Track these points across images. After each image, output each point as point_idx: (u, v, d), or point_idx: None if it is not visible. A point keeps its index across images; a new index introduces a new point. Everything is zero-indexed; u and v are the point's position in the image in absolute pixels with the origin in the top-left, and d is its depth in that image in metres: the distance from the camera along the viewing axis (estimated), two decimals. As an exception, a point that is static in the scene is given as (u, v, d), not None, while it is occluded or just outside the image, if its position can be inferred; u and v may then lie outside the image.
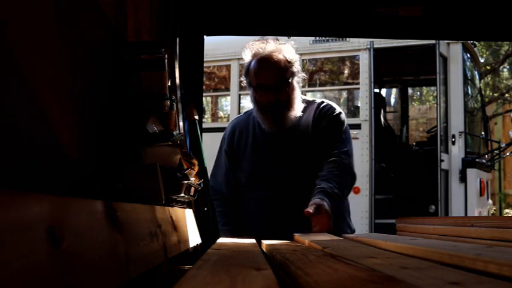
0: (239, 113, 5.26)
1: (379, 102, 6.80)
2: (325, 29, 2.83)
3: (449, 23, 2.63)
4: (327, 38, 6.17)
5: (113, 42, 1.38)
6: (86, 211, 0.75)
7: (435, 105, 7.13)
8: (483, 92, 9.21)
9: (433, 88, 9.80)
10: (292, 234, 1.72)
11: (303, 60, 6.12)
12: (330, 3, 2.60)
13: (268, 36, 2.25)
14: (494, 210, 10.15)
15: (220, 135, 2.40)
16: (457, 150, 6.12)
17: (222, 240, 1.67)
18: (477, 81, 7.42)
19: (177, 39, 2.35)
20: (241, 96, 6.81)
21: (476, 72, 7.30)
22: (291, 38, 2.49)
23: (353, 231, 2.24)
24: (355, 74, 6.60)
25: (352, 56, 6.57)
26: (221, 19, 2.64)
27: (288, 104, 2.14)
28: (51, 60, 0.98)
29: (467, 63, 6.63)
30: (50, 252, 0.58)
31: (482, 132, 7.17)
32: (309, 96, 2.35)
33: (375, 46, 6.13)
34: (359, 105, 6.40)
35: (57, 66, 1.01)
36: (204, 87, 4.08)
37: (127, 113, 1.37)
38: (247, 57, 2.19)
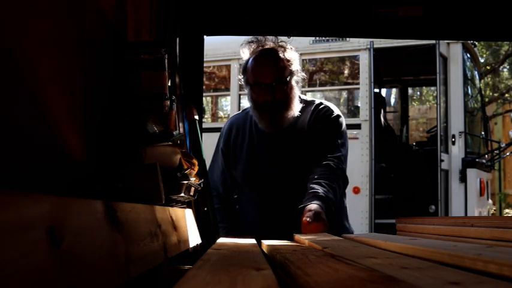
0: (239, 113, 5.25)
1: (379, 102, 6.80)
2: (325, 29, 2.83)
3: (449, 23, 2.63)
4: (327, 38, 6.17)
5: (113, 42, 1.38)
6: (86, 211, 0.75)
7: (435, 105, 7.13)
8: (483, 92, 9.21)
9: (433, 88, 9.81)
10: (286, 235, 1.71)
11: (303, 60, 6.11)
12: (330, 3, 2.60)
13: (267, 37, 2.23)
14: (494, 210, 10.15)
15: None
16: (457, 150, 6.12)
17: (222, 240, 1.67)
18: (477, 81, 7.42)
19: (177, 39, 2.34)
20: (241, 96, 6.81)
21: (476, 72, 7.30)
22: (291, 38, 2.49)
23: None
24: (355, 74, 6.60)
25: (352, 56, 6.57)
26: (221, 19, 2.64)
27: (286, 103, 2.12)
28: (51, 60, 0.98)
29: (467, 63, 6.63)
30: (50, 252, 0.58)
31: (482, 132, 7.18)
32: (309, 97, 2.33)
33: (375, 46, 6.13)
34: (359, 105, 6.40)
35: (57, 66, 1.01)
36: (204, 87, 4.08)
37: (127, 113, 1.37)
38: (245, 55, 2.18)
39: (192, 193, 1.77)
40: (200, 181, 1.98)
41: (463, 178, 6.07)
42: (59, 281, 0.59)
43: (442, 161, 5.97)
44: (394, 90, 8.83)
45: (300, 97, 2.21)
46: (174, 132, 1.59)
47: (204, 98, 4.18)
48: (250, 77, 2.13)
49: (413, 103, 12.13)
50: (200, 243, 1.97)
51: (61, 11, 1.03)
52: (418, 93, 13.07)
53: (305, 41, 6.07)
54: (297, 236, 1.62)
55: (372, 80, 6.19)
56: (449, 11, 2.56)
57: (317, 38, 6.17)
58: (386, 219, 5.68)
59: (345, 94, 7.44)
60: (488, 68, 12.25)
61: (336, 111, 2.22)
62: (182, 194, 1.55)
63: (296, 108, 2.15)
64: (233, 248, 1.18)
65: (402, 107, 8.10)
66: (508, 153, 8.08)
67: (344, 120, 2.24)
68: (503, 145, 7.49)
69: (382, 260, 0.82)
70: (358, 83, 6.37)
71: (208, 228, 2.15)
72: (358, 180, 5.72)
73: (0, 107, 0.78)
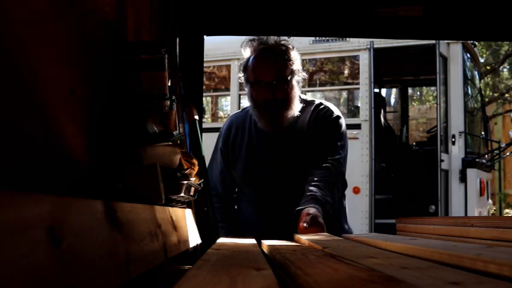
0: (239, 113, 5.25)
1: (379, 102, 6.80)
2: (325, 29, 2.83)
3: (449, 23, 2.63)
4: (327, 38, 6.17)
5: (113, 42, 1.38)
6: (86, 211, 0.75)
7: (435, 105, 7.13)
8: (483, 92, 9.21)
9: (433, 88, 9.81)
10: (286, 235, 1.70)
11: (303, 60, 6.10)
12: (330, 3, 2.60)
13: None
14: (494, 210, 10.15)
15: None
16: (457, 150, 6.12)
17: (222, 240, 1.67)
18: (477, 81, 7.42)
19: (177, 39, 2.34)
20: (241, 96, 6.81)
21: (476, 72, 7.30)
22: (291, 38, 2.48)
23: None
24: (355, 74, 6.60)
25: (352, 56, 6.57)
26: (221, 19, 2.63)
27: (286, 102, 2.10)
28: (51, 60, 0.98)
29: (467, 63, 6.63)
30: (50, 252, 0.58)
31: (482, 132, 7.18)
32: (309, 97, 2.31)
33: (375, 46, 6.13)
34: (359, 105, 6.40)
35: (57, 66, 1.01)
36: (204, 87, 4.08)
37: (127, 113, 1.37)
38: (246, 53, 2.16)
39: (192, 193, 1.77)
40: (200, 181, 1.98)
41: (463, 178, 6.07)
42: (59, 281, 0.59)
43: (442, 161, 5.97)
44: (394, 90, 8.83)
45: (300, 97, 2.20)
46: (174, 132, 1.59)
47: (204, 98, 4.18)
48: (250, 75, 2.11)
49: (413, 103, 12.13)
50: (200, 243, 1.97)
51: (61, 11, 1.03)
52: (418, 93, 13.08)
53: (305, 41, 6.07)
54: (297, 236, 1.61)
55: (372, 80, 6.19)
56: (449, 11, 2.56)
57: (317, 38, 6.17)
58: (386, 219, 5.68)
59: (345, 94, 7.44)
60: (488, 68, 12.25)
61: (336, 111, 2.20)
62: (182, 194, 1.55)
63: (296, 108, 2.14)
64: (233, 248, 1.18)
65: (402, 107, 8.10)
66: (508, 153, 8.07)
67: (344, 121, 2.23)
68: (503, 145, 7.49)
69: (382, 260, 0.82)
70: (358, 83, 6.37)
71: (208, 228, 2.15)
72: (358, 180, 5.72)
73: (0, 107, 0.78)
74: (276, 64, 2.09)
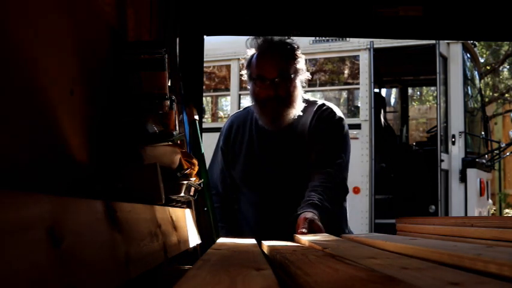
0: (239, 113, 5.25)
1: (379, 102, 6.80)
2: (325, 29, 2.83)
3: (449, 23, 2.63)
4: (327, 38, 6.17)
5: (113, 42, 1.38)
6: (85, 211, 0.75)
7: (435, 105, 7.13)
8: (483, 92, 9.21)
9: (433, 88, 9.81)
10: (286, 235, 1.69)
11: (303, 60, 6.10)
12: (330, 3, 2.60)
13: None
14: (494, 210, 10.15)
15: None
16: (457, 150, 6.12)
17: (222, 240, 1.67)
18: (477, 81, 7.42)
19: (177, 39, 2.34)
20: (241, 96, 6.81)
21: (476, 72, 7.30)
22: (291, 38, 2.47)
23: None
24: (355, 74, 6.60)
25: (352, 56, 6.57)
26: (221, 19, 2.63)
27: (288, 100, 2.08)
28: (51, 60, 0.98)
29: (467, 63, 6.63)
30: (50, 252, 0.58)
31: (482, 132, 7.17)
32: (309, 97, 2.30)
33: (375, 46, 6.13)
34: (359, 105, 6.40)
35: (57, 66, 1.01)
36: (204, 87, 4.08)
37: (127, 113, 1.37)
38: (250, 50, 2.15)
39: (192, 193, 1.77)
40: (200, 181, 1.98)
41: (463, 178, 6.07)
42: (59, 281, 0.59)
43: (442, 161, 5.97)
44: (394, 90, 8.82)
45: (302, 97, 2.19)
46: (174, 132, 1.59)
47: (204, 98, 4.18)
48: (254, 71, 2.10)
49: (413, 103, 12.12)
50: (200, 243, 1.97)
51: (61, 11, 1.03)
52: (418, 93, 13.07)
53: (305, 41, 6.07)
54: (297, 237, 1.61)
55: (372, 80, 6.19)
56: (449, 11, 2.56)
57: (317, 38, 6.17)
58: (386, 219, 5.68)
59: (345, 94, 7.44)
60: (488, 68, 12.24)
61: (339, 113, 2.18)
62: (182, 194, 1.55)
63: (298, 108, 2.12)
64: (233, 248, 1.18)
65: (402, 107, 8.10)
66: (508, 153, 8.07)
67: (346, 123, 2.20)
68: (503, 145, 7.48)
69: (382, 260, 0.82)
70: (358, 83, 6.37)
71: (208, 228, 2.15)
72: (358, 180, 5.72)
73: (0, 107, 0.78)
74: (281, 61, 2.07)
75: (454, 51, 6.22)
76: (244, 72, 2.19)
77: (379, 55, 6.22)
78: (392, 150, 6.78)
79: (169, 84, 1.63)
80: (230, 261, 0.86)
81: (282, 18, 2.61)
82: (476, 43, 7.53)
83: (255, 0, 2.62)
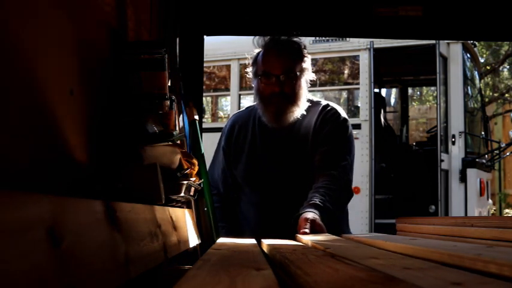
0: (239, 113, 5.25)
1: (379, 102, 6.80)
2: (325, 29, 2.83)
3: (449, 23, 2.63)
4: (327, 38, 6.17)
5: (113, 42, 1.38)
6: (85, 211, 0.75)
7: (435, 105, 7.13)
8: (483, 92, 9.21)
9: (433, 88, 9.81)
10: (287, 236, 1.69)
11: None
12: (330, 3, 2.60)
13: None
14: (494, 210, 10.15)
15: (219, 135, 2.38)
16: (457, 150, 6.12)
17: (222, 240, 1.67)
18: (477, 81, 7.42)
19: (177, 39, 2.34)
20: (241, 96, 6.81)
21: (476, 72, 7.30)
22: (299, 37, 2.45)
23: None
24: (355, 74, 6.60)
25: (352, 56, 6.57)
26: (221, 19, 2.63)
27: (293, 98, 2.07)
28: (51, 60, 0.98)
29: (467, 63, 6.63)
30: (50, 252, 0.58)
31: (482, 132, 7.17)
32: (312, 97, 2.28)
33: (375, 46, 6.13)
34: (359, 105, 6.41)
35: (57, 66, 1.01)
36: (204, 87, 4.08)
37: (127, 113, 1.37)
38: (256, 48, 2.14)
39: (192, 193, 1.77)
40: (200, 181, 1.97)
41: (463, 178, 6.07)
42: (59, 281, 0.59)
43: (442, 161, 5.97)
44: (394, 90, 8.82)
45: (306, 97, 2.18)
46: (174, 132, 1.59)
47: (204, 98, 4.18)
48: (260, 68, 2.09)
49: (413, 103, 12.12)
50: (200, 243, 1.97)
51: (61, 11, 1.03)
52: (418, 93, 13.07)
53: (305, 41, 6.06)
54: (299, 237, 1.61)
55: (372, 80, 6.19)
56: (449, 11, 2.56)
57: (317, 38, 6.17)
58: (386, 219, 5.68)
59: (345, 94, 7.44)
60: (488, 68, 12.24)
61: (343, 114, 2.16)
62: (182, 194, 1.55)
63: (302, 107, 2.10)
64: (233, 248, 1.18)
65: (402, 107, 8.09)
66: (508, 153, 8.07)
67: (350, 124, 2.19)
68: (503, 145, 7.48)
69: (385, 260, 0.81)
70: (358, 83, 6.37)
71: (208, 228, 2.15)
72: (358, 180, 5.72)
73: (1, 107, 0.78)
74: (287, 59, 2.07)
75: (454, 51, 6.22)
76: (249, 69, 2.18)
77: (379, 55, 6.22)
78: (392, 150, 6.78)
79: (169, 84, 1.63)
80: (230, 261, 0.86)
81: (282, 18, 2.61)
82: (476, 43, 7.53)
83: (255, 0, 2.62)
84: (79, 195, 0.78)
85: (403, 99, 8.26)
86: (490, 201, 7.42)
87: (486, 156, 6.93)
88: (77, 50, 1.11)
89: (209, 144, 2.78)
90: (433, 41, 5.89)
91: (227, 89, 7.11)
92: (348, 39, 6.14)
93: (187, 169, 1.58)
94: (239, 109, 2.68)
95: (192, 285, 0.58)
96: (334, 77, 7.13)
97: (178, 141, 1.72)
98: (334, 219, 1.98)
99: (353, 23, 2.65)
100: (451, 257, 0.79)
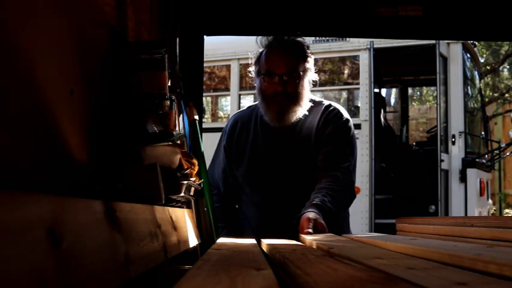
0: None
1: (379, 102, 6.80)
2: (325, 29, 2.83)
3: (449, 23, 2.63)
4: (327, 38, 6.17)
5: (113, 42, 1.38)
6: (85, 211, 0.75)
7: (435, 105, 7.13)
8: (483, 92, 9.21)
9: (433, 88, 9.81)
10: (288, 237, 1.69)
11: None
12: (330, 3, 2.60)
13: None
14: (494, 210, 10.15)
15: (220, 135, 2.38)
16: (457, 150, 6.12)
17: (222, 240, 1.67)
18: (477, 81, 7.42)
19: (177, 39, 2.34)
20: (241, 96, 6.81)
21: (476, 72, 7.30)
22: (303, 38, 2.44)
23: None
24: (355, 74, 6.60)
25: (352, 56, 6.57)
26: (221, 19, 2.64)
27: (295, 97, 2.06)
28: (51, 60, 0.98)
29: (467, 63, 6.63)
30: (50, 252, 0.58)
31: (482, 132, 7.18)
32: (314, 97, 2.28)
33: (375, 46, 6.13)
34: (359, 105, 6.41)
35: (57, 66, 1.01)
36: (204, 87, 4.08)
37: (127, 113, 1.37)
38: (259, 48, 2.13)
39: (192, 193, 1.77)
40: (200, 181, 1.97)
41: (463, 178, 6.07)
42: (59, 281, 0.59)
43: (442, 161, 5.97)
44: (394, 90, 8.83)
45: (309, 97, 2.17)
46: (174, 132, 1.59)
47: (204, 98, 4.18)
48: (263, 66, 2.08)
49: (413, 103, 12.13)
50: (200, 243, 1.97)
51: (61, 11, 1.03)
52: (418, 93, 13.07)
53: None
54: (302, 237, 1.60)
55: (372, 80, 6.19)
56: (449, 11, 2.56)
57: (317, 38, 6.17)
58: (386, 219, 5.68)
59: (345, 94, 7.44)
60: (488, 68, 12.24)
61: (346, 114, 2.15)
62: (182, 194, 1.55)
63: (304, 107, 2.10)
64: (233, 248, 1.18)
65: (402, 107, 8.10)
66: (508, 153, 8.07)
67: (352, 125, 2.18)
68: (503, 145, 7.48)
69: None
70: (358, 83, 6.37)
71: (208, 228, 2.15)
72: (358, 180, 5.67)
73: (1, 107, 0.78)
74: (291, 58, 2.06)
75: (454, 51, 6.22)
76: (251, 68, 2.17)
77: (379, 55, 6.22)
78: (392, 150, 6.78)
79: (169, 84, 1.63)
80: (230, 261, 0.86)
81: (282, 18, 2.61)
82: (476, 43, 7.53)
83: (255, 0, 2.62)
84: (79, 195, 0.78)
85: (403, 99, 8.26)
86: (490, 201, 7.42)
87: (486, 156, 6.93)
88: (77, 50, 1.11)
89: (209, 144, 2.78)
90: (433, 41, 5.89)
91: (227, 89, 7.11)
92: (348, 39, 6.14)
93: (187, 169, 1.58)
94: (239, 109, 2.67)
95: (192, 285, 0.58)
96: (334, 77, 7.13)
97: (178, 141, 1.72)
98: (335, 220, 1.98)
99: (353, 23, 2.65)
100: (451, 257, 0.79)
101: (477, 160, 6.33)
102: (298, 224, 1.80)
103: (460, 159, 6.13)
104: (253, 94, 6.83)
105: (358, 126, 5.98)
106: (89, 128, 1.18)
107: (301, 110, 2.09)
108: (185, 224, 1.67)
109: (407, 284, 0.57)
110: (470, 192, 6.08)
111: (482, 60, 11.47)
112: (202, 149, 2.23)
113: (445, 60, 6.21)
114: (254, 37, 2.24)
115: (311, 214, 1.79)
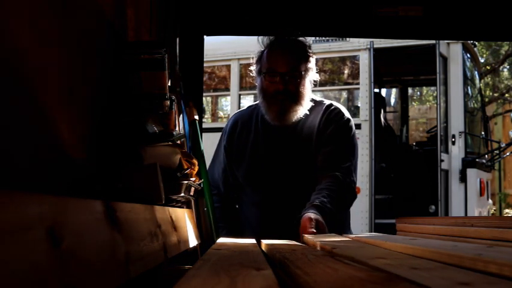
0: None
1: (379, 102, 6.80)
2: (325, 29, 2.83)
3: (449, 23, 2.63)
4: (327, 38, 6.17)
5: (113, 42, 1.38)
6: (85, 211, 0.75)
7: (435, 105, 7.13)
8: (483, 92, 9.21)
9: (433, 88, 9.81)
10: (288, 237, 1.68)
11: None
12: (330, 3, 2.60)
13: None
14: (494, 210, 10.15)
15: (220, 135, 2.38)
16: (457, 150, 6.13)
17: (222, 240, 1.67)
18: (477, 81, 7.42)
19: (177, 39, 2.34)
20: (241, 96, 6.81)
21: (476, 72, 7.30)
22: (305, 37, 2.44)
23: None
24: (355, 74, 6.60)
25: (352, 56, 6.57)
26: (221, 19, 2.64)
27: (297, 96, 2.06)
28: (51, 60, 0.98)
29: (467, 63, 6.63)
30: (50, 252, 0.58)
31: (482, 132, 7.18)
32: (315, 96, 2.27)
33: (375, 46, 6.13)
34: (359, 105, 6.41)
35: (57, 66, 1.01)
36: (204, 87, 4.08)
37: (127, 113, 1.37)
38: (261, 47, 2.13)
39: (192, 193, 1.77)
40: (200, 181, 1.97)
41: (463, 178, 6.07)
42: (59, 281, 0.59)
43: (442, 161, 5.97)
44: (394, 90, 8.83)
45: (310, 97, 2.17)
46: (174, 132, 1.59)
47: (204, 98, 4.18)
48: (264, 65, 2.08)
49: (413, 103, 12.13)
50: (200, 243, 1.97)
51: (61, 10, 1.03)
52: (418, 93, 13.07)
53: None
54: (306, 238, 1.60)
55: (372, 80, 6.19)
56: (449, 11, 2.56)
57: (317, 38, 6.17)
58: (386, 219, 5.69)
59: (345, 94, 7.44)
60: (488, 68, 12.24)
61: (347, 114, 2.16)
62: (182, 194, 1.56)
63: (306, 107, 2.09)
64: (233, 248, 1.18)
65: (402, 107, 8.10)
66: (508, 153, 8.07)
67: (354, 124, 2.18)
68: (503, 145, 7.48)
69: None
70: (358, 83, 6.37)
71: (208, 228, 2.15)
72: (358, 180, 5.69)
73: (0, 107, 0.78)
74: (292, 57, 2.06)
75: (454, 51, 6.22)
76: (252, 68, 2.17)
77: (379, 55, 6.22)
78: (392, 150, 6.78)
79: (169, 84, 1.63)
80: (230, 261, 0.86)
81: (282, 18, 2.61)
82: (476, 43, 7.53)
83: (255, 0, 2.62)
84: (79, 195, 0.78)
85: (403, 99, 8.26)
86: (490, 201, 7.42)
87: (486, 156, 6.93)
88: (77, 49, 1.11)
89: (209, 144, 2.78)
90: (433, 41, 5.89)
91: (227, 89, 7.11)
92: (348, 39, 6.14)
93: (187, 169, 1.58)
94: (239, 109, 2.66)
95: (192, 285, 0.58)
96: (334, 77, 7.13)
97: (178, 141, 1.72)
98: (336, 220, 1.97)
99: (353, 23, 2.65)
100: (451, 257, 0.79)
101: (477, 160, 6.33)
102: (298, 224, 1.80)
103: (460, 159, 6.13)
104: (253, 94, 6.84)
105: (358, 126, 5.98)
106: (89, 128, 1.17)
107: (302, 110, 2.09)
108: (185, 224, 1.67)
109: (408, 284, 0.57)
110: (470, 192, 6.08)
111: (482, 60, 11.47)
112: (202, 148, 2.23)
113: (445, 60, 6.21)
114: (254, 37, 2.24)
115: (312, 214, 1.79)
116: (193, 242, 1.75)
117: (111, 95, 1.35)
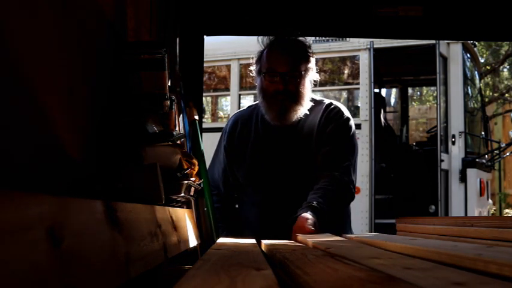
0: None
1: (379, 102, 6.80)
2: (325, 29, 2.83)
3: (449, 23, 2.63)
4: (327, 38, 6.17)
5: (113, 42, 1.38)
6: (85, 211, 0.75)
7: (435, 105, 7.13)
8: (483, 92, 9.21)
9: (433, 88, 9.81)
10: (288, 237, 1.68)
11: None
12: (330, 3, 2.60)
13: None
14: (494, 210, 10.15)
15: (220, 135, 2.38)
16: (457, 150, 6.13)
17: (222, 240, 1.67)
18: (477, 81, 7.42)
19: (177, 39, 2.34)
20: (241, 96, 6.81)
21: (476, 72, 7.30)
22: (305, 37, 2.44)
23: None
24: (355, 74, 6.60)
25: (352, 56, 6.57)
26: (221, 19, 2.64)
27: (296, 96, 2.06)
28: (51, 60, 0.98)
29: (467, 63, 6.63)
30: (50, 252, 0.58)
31: (482, 132, 7.18)
32: (315, 96, 2.27)
33: (375, 46, 6.13)
34: (359, 105, 6.41)
35: (57, 66, 1.01)
36: (204, 87, 4.08)
37: (127, 113, 1.37)
38: (261, 47, 2.13)
39: (192, 193, 1.77)
40: (200, 181, 1.97)
41: (463, 178, 6.07)
42: (59, 281, 0.59)
43: (442, 161, 5.97)
44: (394, 90, 8.83)
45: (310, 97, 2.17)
46: (174, 132, 1.59)
47: (204, 98, 4.18)
48: (264, 65, 2.07)
49: (413, 103, 12.13)
50: (200, 243, 1.97)
51: (61, 10, 1.03)
52: (418, 93, 13.07)
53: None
54: (300, 237, 1.61)
55: (372, 80, 6.19)
56: (449, 11, 2.56)
57: (317, 38, 6.17)
58: (386, 219, 5.69)
59: (345, 94, 7.44)
60: (488, 68, 12.24)
61: (347, 113, 2.15)
62: (182, 194, 1.56)
63: (306, 106, 2.09)
64: (233, 248, 1.18)
65: (402, 107, 8.10)
66: (508, 153, 8.07)
67: (353, 123, 2.18)
68: (503, 145, 7.48)
69: (385, 260, 0.81)
70: (358, 83, 6.37)
71: (208, 228, 2.15)
72: (358, 180, 5.68)
73: (0, 107, 0.78)
74: (292, 57, 2.06)
75: (454, 51, 6.22)
76: (252, 67, 2.16)
77: (379, 55, 6.22)
78: (392, 150, 6.78)
79: (169, 84, 1.63)
80: (230, 261, 0.86)
81: (282, 18, 2.61)
82: (476, 43, 7.53)
83: (255, 0, 2.62)
84: (79, 195, 0.78)
85: (403, 99, 8.26)
86: (490, 201, 7.42)
87: (486, 156, 6.93)
88: (77, 49, 1.11)
89: (209, 144, 2.78)
90: (433, 41, 5.89)
91: (227, 89, 7.11)
92: (348, 39, 6.14)
93: (187, 169, 1.58)
94: (239, 109, 2.66)
95: (192, 285, 0.58)
96: (334, 77, 7.13)
97: (178, 141, 1.72)
98: (335, 220, 1.97)
99: (353, 23, 2.65)
100: (451, 257, 0.79)
101: (477, 160, 6.33)
102: (294, 224, 1.80)
103: (460, 159, 6.13)
104: (253, 94, 6.84)
105: (358, 126, 5.98)
106: (89, 128, 1.17)
107: (302, 109, 2.09)
108: (185, 224, 1.67)
109: (408, 284, 0.57)
110: (470, 192, 6.08)
111: (482, 60, 11.47)
112: (202, 148, 2.23)
113: (445, 60, 6.21)
114: (254, 37, 2.23)
115: (308, 214, 1.80)
116: (193, 242, 1.75)
117: (111, 95, 1.35)
